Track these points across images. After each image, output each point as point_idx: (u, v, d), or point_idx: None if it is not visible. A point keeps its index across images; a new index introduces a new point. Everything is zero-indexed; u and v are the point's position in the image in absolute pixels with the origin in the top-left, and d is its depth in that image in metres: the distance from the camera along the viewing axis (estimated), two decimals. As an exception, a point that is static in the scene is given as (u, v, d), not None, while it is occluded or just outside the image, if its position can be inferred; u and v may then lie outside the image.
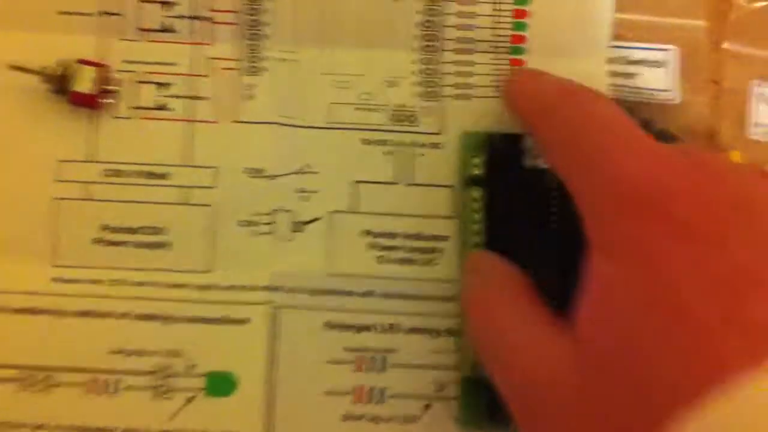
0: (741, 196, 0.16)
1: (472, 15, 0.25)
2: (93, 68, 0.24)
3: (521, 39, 0.25)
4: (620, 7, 0.26)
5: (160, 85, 0.25)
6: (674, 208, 0.15)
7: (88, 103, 0.24)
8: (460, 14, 0.25)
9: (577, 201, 0.18)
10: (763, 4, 0.28)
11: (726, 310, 0.13)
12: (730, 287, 0.14)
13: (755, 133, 0.27)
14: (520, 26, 0.25)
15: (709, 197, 0.15)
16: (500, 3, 0.25)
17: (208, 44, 0.25)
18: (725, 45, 0.28)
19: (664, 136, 0.27)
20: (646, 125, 0.27)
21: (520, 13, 0.25)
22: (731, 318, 0.13)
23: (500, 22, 0.25)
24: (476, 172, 0.24)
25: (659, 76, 0.27)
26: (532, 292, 0.20)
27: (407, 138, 0.25)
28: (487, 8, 0.25)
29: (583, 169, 0.18)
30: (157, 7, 0.25)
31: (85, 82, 0.24)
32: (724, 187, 0.16)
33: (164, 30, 0.25)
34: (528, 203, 0.24)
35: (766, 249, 0.14)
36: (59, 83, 0.24)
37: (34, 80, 0.24)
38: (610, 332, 0.15)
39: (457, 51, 0.25)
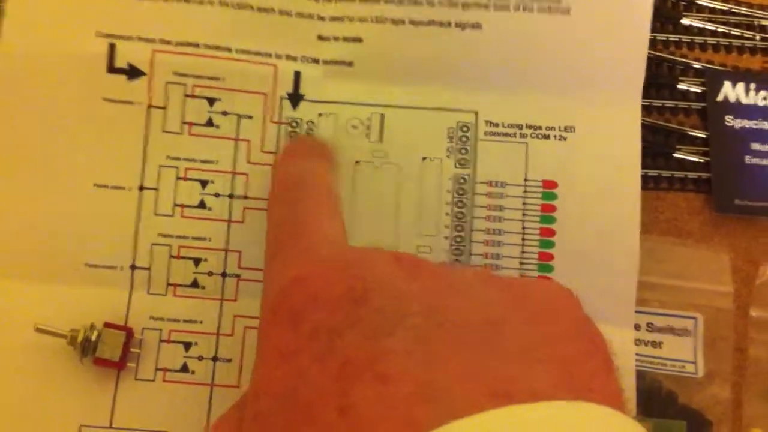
0: (365, 287, 0.16)
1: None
2: (119, 332, 0.24)
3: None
4: (645, 270, 0.27)
5: (185, 344, 0.25)
6: (309, 314, 0.16)
7: (113, 366, 0.24)
8: None
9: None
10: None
11: (340, 402, 0.14)
12: (342, 379, 0.14)
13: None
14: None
15: (334, 294, 0.16)
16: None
17: (232, 300, 0.25)
18: (752, 312, 0.28)
19: (686, 412, 0.27)
20: (670, 399, 0.27)
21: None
22: (345, 409, 0.14)
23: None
24: None
25: (683, 346, 0.27)
26: None
27: None
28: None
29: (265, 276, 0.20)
30: (189, 263, 0.25)
31: (110, 348, 0.24)
32: (355, 284, 0.16)
33: (193, 285, 0.25)
34: None
35: (372, 337, 0.15)
36: (85, 347, 0.24)
37: (60, 341, 0.24)
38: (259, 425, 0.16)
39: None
